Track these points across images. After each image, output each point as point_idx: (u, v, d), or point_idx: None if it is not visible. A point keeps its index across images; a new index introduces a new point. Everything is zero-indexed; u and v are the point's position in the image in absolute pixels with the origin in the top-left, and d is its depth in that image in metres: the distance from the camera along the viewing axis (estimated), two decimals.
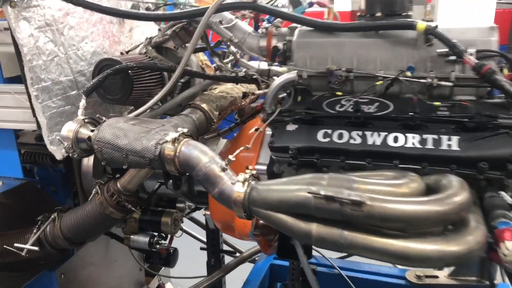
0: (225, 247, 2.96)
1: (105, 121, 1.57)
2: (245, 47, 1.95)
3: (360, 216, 1.16)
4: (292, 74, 1.72)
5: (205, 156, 1.42)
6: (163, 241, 2.38)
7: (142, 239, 2.29)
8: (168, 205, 2.38)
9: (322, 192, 1.19)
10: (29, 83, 1.79)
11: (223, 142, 2.22)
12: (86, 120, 1.61)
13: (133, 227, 2.28)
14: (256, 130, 1.95)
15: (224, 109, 2.03)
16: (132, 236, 2.29)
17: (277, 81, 1.74)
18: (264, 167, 1.79)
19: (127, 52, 2.14)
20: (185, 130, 1.49)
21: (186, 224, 2.76)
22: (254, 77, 1.96)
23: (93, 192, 1.93)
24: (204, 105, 1.91)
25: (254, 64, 2.14)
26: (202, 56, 2.24)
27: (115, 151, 1.51)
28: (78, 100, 1.99)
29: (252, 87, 2.30)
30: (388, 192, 1.23)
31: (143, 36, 2.46)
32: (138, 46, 2.16)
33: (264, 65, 2.12)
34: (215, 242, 2.78)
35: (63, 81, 1.93)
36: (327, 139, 1.56)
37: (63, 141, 1.58)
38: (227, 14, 1.99)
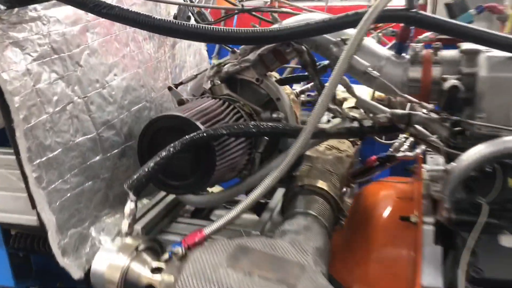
0: None
1: (184, 255, 0.79)
2: (383, 79, 1.17)
3: None
4: (502, 145, 0.96)
5: None
6: None
7: None
8: None
9: None
10: (25, 157, 1.00)
11: None
12: (141, 247, 0.83)
13: None
14: (406, 220, 1.19)
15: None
16: None
17: (470, 156, 0.99)
18: None
19: (176, 86, 1.35)
20: None
21: None
22: (388, 126, 1.20)
23: None
24: (322, 185, 1.13)
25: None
26: (288, 88, 1.47)
27: None
28: (105, 169, 1.22)
29: None
30: None
31: (188, 53, 1.67)
32: (195, 76, 1.36)
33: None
34: None
35: (80, 142, 1.15)
36: None
37: None
38: (346, 29, 1.20)
